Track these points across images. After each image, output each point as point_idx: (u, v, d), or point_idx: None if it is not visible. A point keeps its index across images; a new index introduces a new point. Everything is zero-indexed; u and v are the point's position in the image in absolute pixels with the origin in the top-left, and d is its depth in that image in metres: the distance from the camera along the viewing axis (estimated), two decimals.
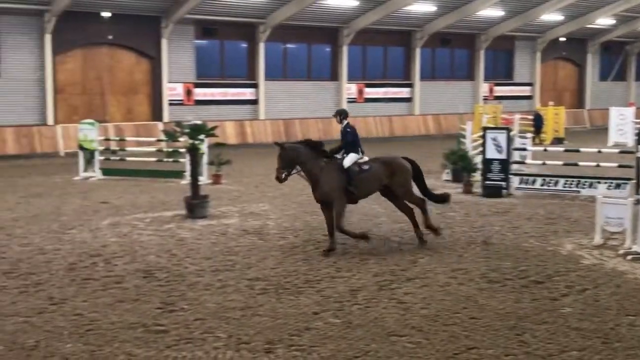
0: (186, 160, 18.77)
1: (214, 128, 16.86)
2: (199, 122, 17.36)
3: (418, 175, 12.67)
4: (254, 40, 33.91)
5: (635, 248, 11.67)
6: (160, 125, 30.37)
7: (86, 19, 29.24)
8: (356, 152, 12.31)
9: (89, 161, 21.55)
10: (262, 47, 33.90)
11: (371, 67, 38.39)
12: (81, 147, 21.65)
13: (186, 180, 18.90)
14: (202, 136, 16.60)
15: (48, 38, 28.45)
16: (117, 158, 22.10)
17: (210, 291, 9.79)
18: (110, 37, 30.17)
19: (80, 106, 30.05)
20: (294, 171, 12.14)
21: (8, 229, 13.88)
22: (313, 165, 12.05)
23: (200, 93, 32.80)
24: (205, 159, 19.74)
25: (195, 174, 15.66)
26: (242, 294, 9.68)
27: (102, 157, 21.80)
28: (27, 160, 26.78)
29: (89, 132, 21.60)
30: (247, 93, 34.09)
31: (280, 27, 33.67)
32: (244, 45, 34.19)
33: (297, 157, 12.07)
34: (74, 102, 30.01)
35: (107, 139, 23.65)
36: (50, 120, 28.88)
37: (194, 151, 15.88)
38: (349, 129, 12.41)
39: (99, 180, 21.04)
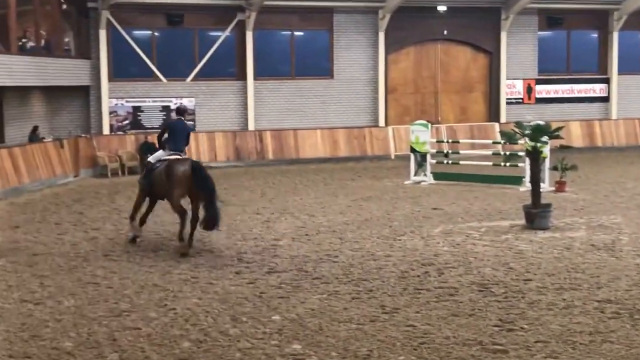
0: (526, 165, 18.61)
1: (559, 129, 16.55)
2: (541, 122, 17.15)
3: (199, 183, 12.82)
4: (606, 29, 32.59)
5: None
6: (497, 126, 30.43)
7: (420, 15, 30.24)
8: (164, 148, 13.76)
9: (420, 164, 22.27)
10: (615, 37, 32.45)
11: None
12: (412, 150, 22.44)
13: (525, 187, 18.72)
14: (544, 138, 16.33)
15: (381, 36, 29.94)
16: (450, 162, 22.59)
17: (553, 311, 9.60)
18: (445, 32, 30.92)
19: (411, 106, 31.20)
20: None
21: (340, 233, 14.86)
22: None
23: (543, 90, 32.24)
24: (547, 164, 19.42)
25: (536, 180, 15.45)
26: (591, 316, 9.35)
27: (434, 161, 22.45)
28: (358, 162, 28.42)
29: (421, 134, 22.27)
30: (597, 89, 32.84)
31: (638, 14, 31.97)
32: (594, 35, 32.99)
33: None
34: (405, 102, 31.21)
35: (440, 141, 24.29)
36: (381, 121, 30.34)
37: (535, 155, 15.69)
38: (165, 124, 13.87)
39: (430, 184, 21.65)
